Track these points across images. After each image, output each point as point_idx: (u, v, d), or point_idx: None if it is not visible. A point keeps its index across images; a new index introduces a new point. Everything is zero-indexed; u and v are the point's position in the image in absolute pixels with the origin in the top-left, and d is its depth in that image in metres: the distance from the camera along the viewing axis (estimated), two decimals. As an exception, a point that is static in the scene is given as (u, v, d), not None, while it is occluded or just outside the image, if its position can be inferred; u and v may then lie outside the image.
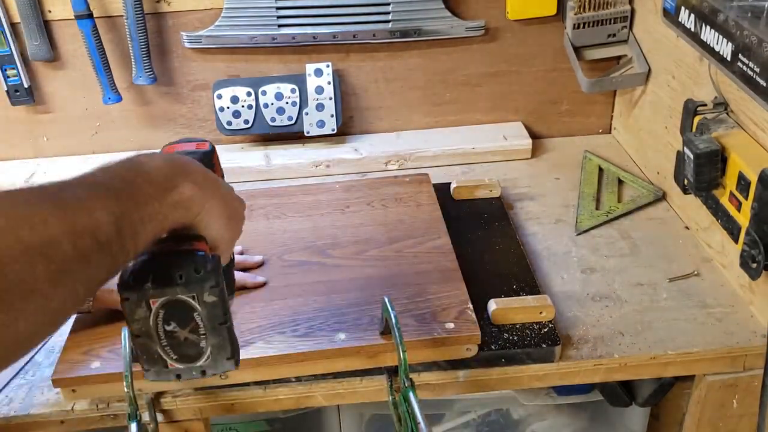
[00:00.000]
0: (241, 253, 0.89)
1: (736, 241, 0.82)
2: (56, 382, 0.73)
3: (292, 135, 1.20)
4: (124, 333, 0.70)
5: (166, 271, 0.52)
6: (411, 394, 0.70)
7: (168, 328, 0.53)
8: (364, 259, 0.89)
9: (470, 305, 0.79)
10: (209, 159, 0.64)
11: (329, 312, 0.79)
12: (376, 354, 0.75)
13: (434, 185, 1.04)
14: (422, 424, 0.66)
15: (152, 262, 0.52)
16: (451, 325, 0.76)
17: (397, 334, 0.69)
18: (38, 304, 0.42)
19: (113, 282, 0.50)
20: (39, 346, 0.82)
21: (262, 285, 0.85)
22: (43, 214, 0.43)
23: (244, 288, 0.84)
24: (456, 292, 0.81)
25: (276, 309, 0.81)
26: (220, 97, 1.15)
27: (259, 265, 0.88)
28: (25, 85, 1.12)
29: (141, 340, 0.54)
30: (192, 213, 0.54)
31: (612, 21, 1.12)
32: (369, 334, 0.76)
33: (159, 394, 0.76)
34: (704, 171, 0.83)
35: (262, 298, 0.83)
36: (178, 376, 0.56)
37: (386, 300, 0.72)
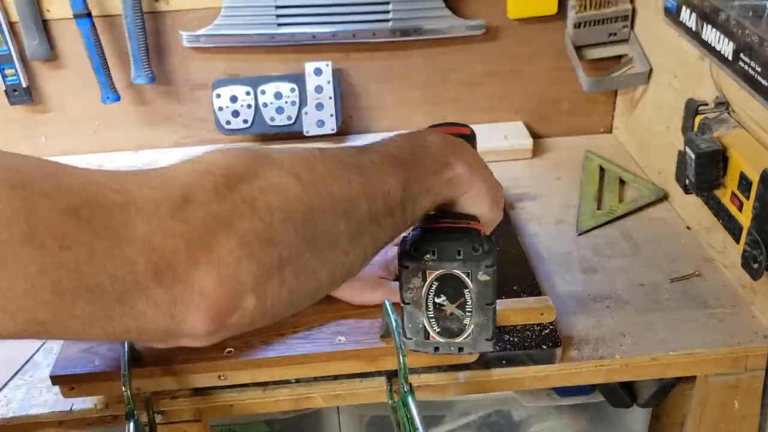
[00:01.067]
0: None
1: (737, 241, 0.82)
2: (55, 380, 0.73)
3: (292, 134, 1.19)
4: None
5: (446, 246, 0.55)
6: (410, 399, 0.69)
7: (438, 300, 0.56)
8: None
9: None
10: (473, 143, 0.67)
11: (329, 315, 0.79)
12: (376, 357, 0.75)
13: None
14: (420, 430, 0.65)
15: (432, 236, 0.55)
16: None
17: (397, 338, 0.69)
18: (338, 257, 0.47)
19: None
20: (38, 346, 0.82)
21: None
22: (349, 175, 0.48)
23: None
24: None
25: None
26: (219, 96, 1.14)
27: None
28: (24, 85, 1.12)
29: (409, 308, 0.57)
30: (460, 191, 0.57)
31: (613, 20, 1.12)
32: (369, 338, 0.75)
33: (157, 394, 0.76)
34: (706, 171, 0.82)
35: None
36: (436, 349, 0.59)
37: (387, 303, 0.72)
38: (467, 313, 0.57)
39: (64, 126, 1.18)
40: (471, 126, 0.70)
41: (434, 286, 0.55)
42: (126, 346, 0.70)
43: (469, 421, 1.01)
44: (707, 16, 0.84)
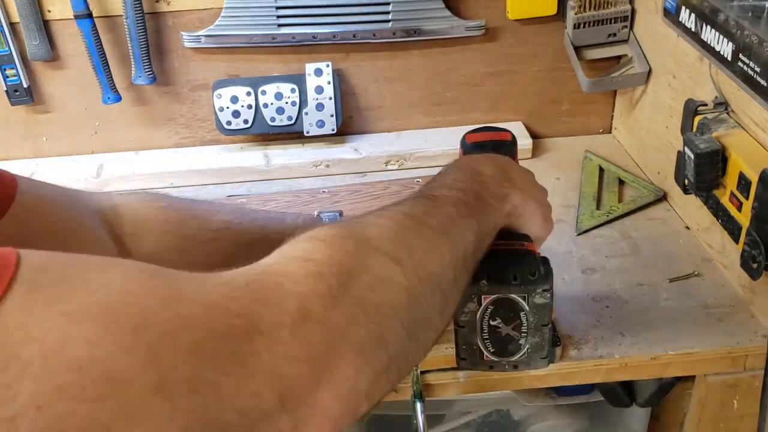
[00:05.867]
0: None
1: (736, 241, 0.82)
2: None
3: (292, 135, 1.20)
4: None
5: (501, 270, 0.54)
6: (418, 405, 0.70)
7: (493, 323, 0.55)
8: None
9: None
10: (514, 149, 0.66)
11: None
12: None
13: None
14: None
15: (486, 260, 0.53)
16: None
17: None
18: (431, 335, 0.46)
19: None
20: None
21: None
22: (441, 247, 0.47)
23: None
24: None
25: None
26: (219, 96, 1.15)
27: None
28: (25, 85, 1.12)
29: (464, 331, 0.56)
30: (517, 218, 0.57)
31: (612, 21, 1.12)
32: None
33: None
34: (705, 171, 0.82)
35: None
36: (491, 367, 0.58)
37: None
38: (522, 334, 0.56)
39: (64, 126, 1.18)
40: (508, 129, 0.68)
41: (489, 310, 0.55)
42: None
43: (469, 421, 1.01)
44: (706, 17, 0.84)
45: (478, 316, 0.55)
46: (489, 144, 0.66)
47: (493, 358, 0.57)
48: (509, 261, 0.55)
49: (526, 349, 0.56)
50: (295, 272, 0.40)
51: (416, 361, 0.45)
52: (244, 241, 0.44)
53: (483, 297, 0.54)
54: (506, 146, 0.66)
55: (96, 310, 0.32)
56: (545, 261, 0.56)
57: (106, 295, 0.33)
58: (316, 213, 0.85)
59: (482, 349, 0.56)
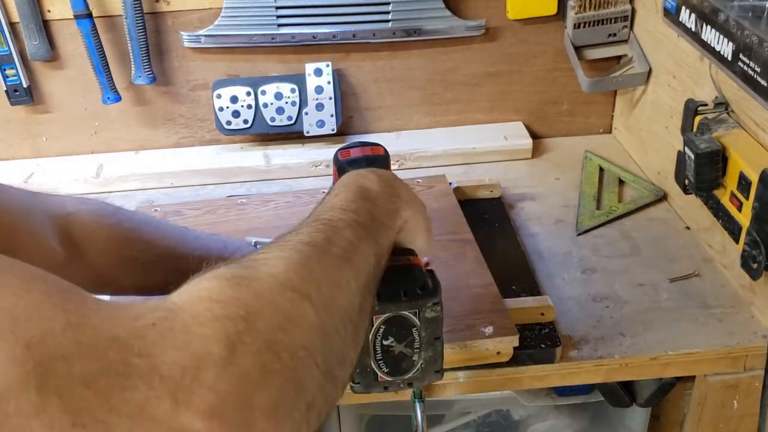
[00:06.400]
0: None
1: (736, 241, 0.82)
2: None
3: (292, 135, 1.19)
4: None
5: (390, 288, 0.53)
6: (418, 406, 0.70)
7: (386, 342, 0.54)
8: None
9: (504, 305, 0.79)
10: (387, 163, 0.65)
11: None
12: None
13: (434, 185, 1.04)
14: None
15: None
16: (489, 329, 0.76)
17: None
18: (347, 373, 0.44)
19: None
20: None
21: (426, 265, 0.84)
22: (346, 274, 0.45)
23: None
24: (491, 289, 0.81)
25: None
26: (219, 96, 1.15)
27: None
28: (24, 85, 1.12)
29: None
30: (405, 232, 0.56)
31: (612, 20, 1.12)
32: None
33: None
34: (705, 171, 0.82)
35: None
36: (386, 388, 0.57)
37: None
38: (416, 350, 0.55)
39: (64, 126, 1.18)
40: (380, 144, 0.68)
41: (381, 330, 0.54)
42: None
43: (469, 421, 1.01)
44: (707, 17, 0.84)
45: (370, 337, 0.54)
46: (363, 159, 0.64)
47: (387, 378, 0.56)
48: (397, 278, 0.54)
49: (420, 364, 0.56)
50: (202, 314, 0.36)
51: (335, 401, 0.43)
52: (183, 268, 0.43)
53: (374, 318, 0.53)
54: (380, 161, 0.65)
55: None
56: (432, 274, 0.56)
57: (14, 304, 0.32)
58: (252, 241, 0.85)
59: (376, 370, 0.55)
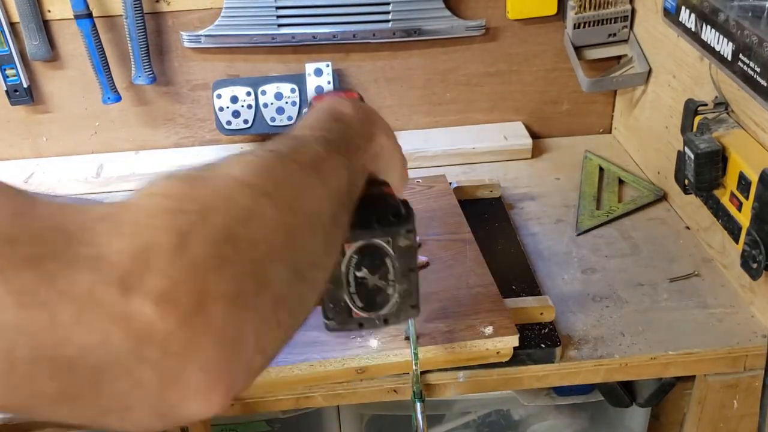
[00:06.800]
0: None
1: (736, 241, 0.82)
2: None
3: (292, 135, 1.19)
4: None
5: (362, 215, 0.51)
6: (418, 406, 0.70)
7: (359, 274, 0.53)
8: None
9: (504, 305, 0.79)
10: None
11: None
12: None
13: (434, 185, 1.04)
14: None
15: None
16: (489, 329, 0.76)
17: (413, 349, 0.70)
18: (321, 276, 0.42)
19: None
20: None
21: (426, 265, 0.84)
22: (312, 180, 0.43)
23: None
24: (491, 289, 0.82)
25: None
26: (219, 96, 1.15)
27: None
28: (25, 85, 1.12)
29: (329, 287, 0.53)
30: (381, 162, 0.54)
31: (612, 20, 1.12)
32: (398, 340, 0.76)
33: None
34: (705, 171, 0.83)
35: None
36: (361, 325, 0.55)
37: None
38: (390, 283, 0.53)
39: (64, 126, 1.18)
40: (354, 90, 0.68)
41: (354, 260, 0.52)
42: None
43: (469, 421, 1.01)
44: (706, 17, 0.84)
45: (342, 268, 0.52)
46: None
47: (362, 313, 0.54)
48: (370, 206, 0.52)
49: (395, 298, 0.54)
50: (153, 207, 0.35)
51: (311, 304, 0.42)
52: None
53: (346, 246, 0.51)
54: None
55: None
56: (405, 203, 0.54)
57: None
58: None
59: (350, 304, 0.53)
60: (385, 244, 0.52)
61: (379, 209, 0.52)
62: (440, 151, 1.17)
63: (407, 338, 0.74)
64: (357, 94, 0.65)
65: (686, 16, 0.89)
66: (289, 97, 1.15)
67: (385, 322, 0.55)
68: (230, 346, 0.33)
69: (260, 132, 1.17)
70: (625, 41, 1.14)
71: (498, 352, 0.76)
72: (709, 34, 0.84)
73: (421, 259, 0.84)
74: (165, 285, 0.32)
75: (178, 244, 0.33)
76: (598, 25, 1.12)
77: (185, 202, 0.36)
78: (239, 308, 0.34)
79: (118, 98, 1.13)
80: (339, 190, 0.45)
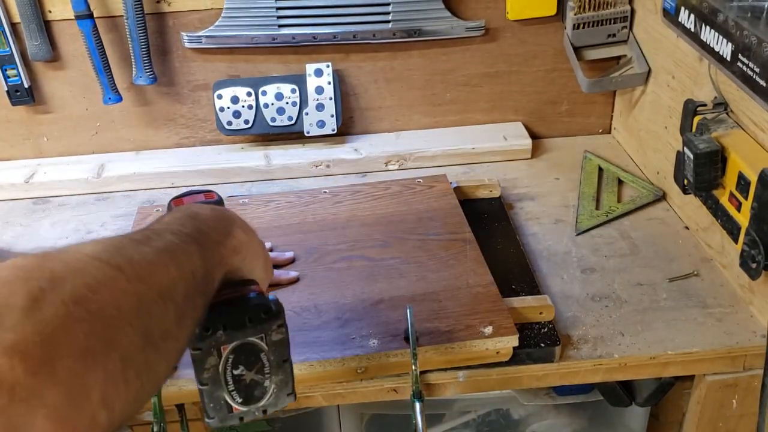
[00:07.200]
0: (271, 250, 0.90)
1: (735, 241, 0.82)
2: None
3: (292, 135, 1.20)
4: None
5: (234, 317, 0.54)
6: (417, 406, 0.71)
7: (236, 372, 0.55)
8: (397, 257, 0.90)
9: (504, 305, 0.80)
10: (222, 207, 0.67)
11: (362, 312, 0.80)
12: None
13: (434, 185, 1.04)
14: None
15: (218, 311, 0.54)
16: (489, 329, 0.76)
17: (412, 349, 0.70)
18: (171, 344, 0.45)
19: None
20: None
21: (296, 280, 0.85)
22: (163, 258, 0.46)
23: (279, 285, 0.84)
24: (491, 289, 0.82)
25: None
26: (220, 97, 1.15)
27: (290, 261, 0.89)
28: (26, 86, 1.12)
29: (208, 389, 0.55)
30: (242, 257, 0.57)
31: (612, 21, 1.12)
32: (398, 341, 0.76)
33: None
34: (704, 171, 0.83)
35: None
36: (241, 419, 0.58)
37: (408, 310, 0.73)
38: (266, 376, 0.56)
39: (65, 127, 1.18)
40: (213, 191, 0.70)
41: (230, 359, 0.54)
42: None
43: (469, 420, 1.02)
44: (706, 17, 0.84)
45: (220, 368, 0.55)
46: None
47: (241, 408, 0.57)
48: (240, 306, 0.55)
49: (272, 390, 0.57)
50: (5, 277, 0.37)
51: (161, 373, 0.44)
52: None
53: (222, 348, 0.54)
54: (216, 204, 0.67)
55: None
56: (276, 299, 0.57)
57: None
58: None
59: (230, 401, 0.56)
60: (259, 341, 0.55)
61: (250, 309, 0.55)
62: (440, 151, 1.18)
63: (407, 338, 0.75)
64: (216, 195, 0.68)
65: (685, 17, 0.89)
66: (289, 98, 1.15)
67: (264, 412, 0.58)
68: (75, 397, 0.35)
69: (261, 132, 1.18)
70: (625, 42, 1.14)
71: (498, 352, 0.76)
72: (708, 35, 0.84)
73: (292, 274, 0.86)
74: (15, 338, 0.34)
75: (30, 305, 0.35)
76: (597, 25, 1.12)
77: (37, 272, 0.38)
78: (86, 363, 0.36)
79: (119, 99, 1.13)
80: (193, 274, 0.48)
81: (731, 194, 0.81)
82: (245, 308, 0.55)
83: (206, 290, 0.51)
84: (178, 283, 0.46)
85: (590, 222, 1.01)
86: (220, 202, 0.68)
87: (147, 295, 0.42)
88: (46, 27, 1.10)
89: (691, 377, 0.85)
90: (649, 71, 1.09)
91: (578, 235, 1.00)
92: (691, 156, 0.83)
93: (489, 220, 1.00)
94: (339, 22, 1.13)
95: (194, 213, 0.56)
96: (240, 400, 0.56)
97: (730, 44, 0.79)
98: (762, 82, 0.74)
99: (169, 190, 1.14)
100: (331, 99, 1.15)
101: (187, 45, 1.13)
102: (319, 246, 0.91)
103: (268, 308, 0.55)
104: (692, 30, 0.88)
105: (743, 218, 0.79)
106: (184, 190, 0.70)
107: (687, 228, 1.00)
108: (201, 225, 0.54)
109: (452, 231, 0.94)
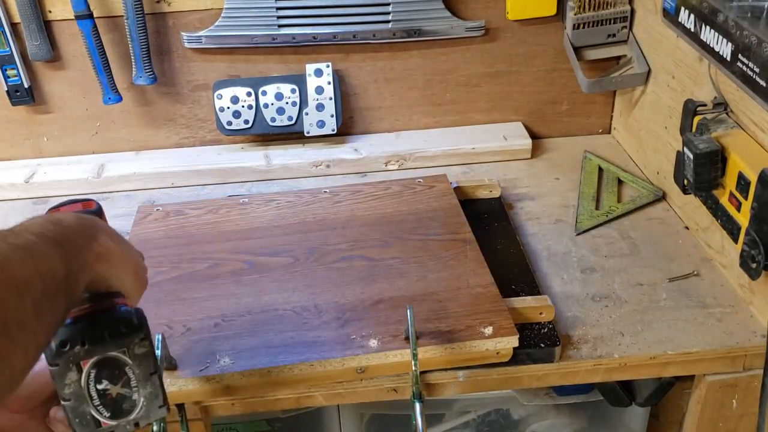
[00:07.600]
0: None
1: (735, 241, 0.82)
2: None
3: (292, 135, 1.20)
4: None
5: (94, 331, 0.53)
6: (417, 406, 0.71)
7: (100, 387, 0.54)
8: (396, 257, 0.90)
9: (504, 305, 0.80)
10: (101, 216, 0.65)
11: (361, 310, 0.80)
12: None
13: (434, 185, 1.04)
14: None
15: (78, 325, 0.53)
16: (489, 330, 0.76)
17: (412, 349, 0.70)
18: (29, 337, 0.45)
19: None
20: None
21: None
22: (20, 255, 0.46)
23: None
24: (491, 289, 0.82)
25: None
26: (220, 97, 1.15)
27: None
28: (26, 86, 1.12)
29: (72, 404, 0.54)
30: (109, 265, 0.56)
31: (612, 21, 1.12)
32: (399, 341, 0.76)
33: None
34: (704, 171, 0.83)
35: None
36: None
37: (409, 310, 0.73)
38: (134, 389, 0.55)
39: (65, 126, 1.18)
40: (93, 199, 0.69)
41: (92, 374, 0.53)
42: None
43: (469, 420, 1.02)
44: (706, 17, 0.84)
45: (82, 383, 0.54)
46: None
47: (111, 422, 0.56)
48: (100, 320, 0.54)
49: (141, 402, 0.56)
50: None
51: (17, 365, 0.44)
52: None
53: (82, 363, 0.53)
54: (93, 213, 0.65)
55: None
56: (138, 311, 0.56)
57: None
58: None
59: (97, 416, 0.55)
60: (121, 355, 0.54)
61: (111, 322, 0.54)
62: (440, 151, 1.18)
63: (407, 338, 0.75)
64: (95, 203, 0.66)
65: (685, 17, 0.89)
66: (289, 98, 1.15)
67: (136, 425, 0.57)
68: None
69: (261, 132, 1.18)
70: (625, 42, 1.14)
71: (498, 353, 0.76)
72: (708, 35, 0.84)
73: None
74: None
75: None
76: (597, 25, 1.12)
77: None
78: None
79: (119, 99, 1.13)
80: (52, 272, 0.48)
81: (731, 194, 0.81)
82: (105, 322, 0.54)
83: (69, 291, 0.50)
84: (34, 279, 0.46)
85: (590, 222, 1.01)
86: (99, 210, 0.66)
87: (2, 286, 0.43)
88: (46, 27, 1.10)
89: (691, 377, 0.85)
90: (649, 71, 1.09)
91: (578, 235, 1.00)
92: (691, 156, 0.83)
93: (489, 220, 1.00)
94: (339, 22, 1.13)
95: (57, 219, 0.55)
96: (108, 414, 0.55)
97: (730, 44, 0.79)
98: (762, 82, 0.74)
99: (169, 190, 1.14)
100: (331, 99, 1.15)
101: (187, 45, 1.13)
102: (319, 246, 0.91)
103: (129, 321, 0.54)
104: (692, 30, 0.88)
105: (743, 218, 0.79)
106: (65, 199, 0.68)
107: (687, 228, 1.00)
108: (63, 230, 0.53)
109: (452, 231, 0.94)
